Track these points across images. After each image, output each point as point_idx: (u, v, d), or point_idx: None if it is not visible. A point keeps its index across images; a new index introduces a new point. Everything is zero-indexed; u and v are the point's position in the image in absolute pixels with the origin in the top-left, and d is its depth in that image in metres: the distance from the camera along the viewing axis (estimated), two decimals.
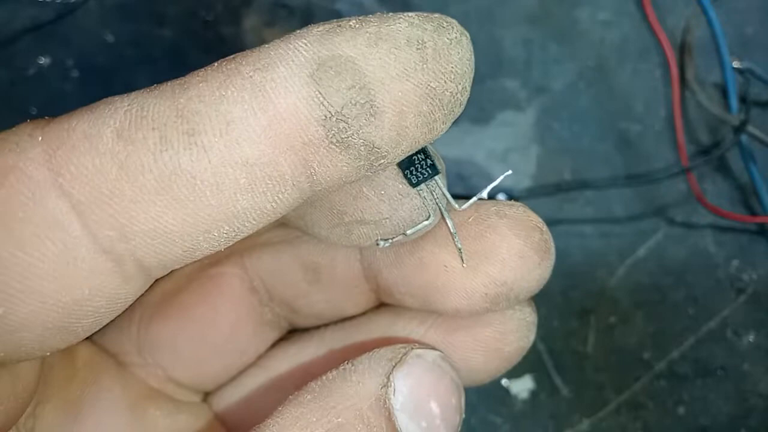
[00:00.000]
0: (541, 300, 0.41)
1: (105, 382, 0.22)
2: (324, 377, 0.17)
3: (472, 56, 0.16)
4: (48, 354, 0.16)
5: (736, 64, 0.42)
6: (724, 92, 0.43)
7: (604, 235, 0.42)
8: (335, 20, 0.15)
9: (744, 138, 0.41)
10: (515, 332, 0.22)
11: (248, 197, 0.15)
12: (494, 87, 0.43)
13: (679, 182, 0.42)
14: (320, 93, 0.15)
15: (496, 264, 0.20)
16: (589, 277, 0.42)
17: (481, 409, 0.40)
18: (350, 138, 0.15)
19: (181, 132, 0.14)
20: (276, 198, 0.15)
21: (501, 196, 0.40)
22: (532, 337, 0.23)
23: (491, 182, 0.20)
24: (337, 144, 0.15)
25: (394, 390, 0.16)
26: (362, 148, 0.15)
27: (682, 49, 0.43)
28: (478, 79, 0.44)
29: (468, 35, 0.16)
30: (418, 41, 0.15)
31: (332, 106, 0.15)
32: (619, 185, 0.42)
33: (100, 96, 0.16)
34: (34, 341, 0.15)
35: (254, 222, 0.16)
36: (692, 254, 0.42)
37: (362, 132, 0.15)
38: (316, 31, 0.15)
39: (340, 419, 0.16)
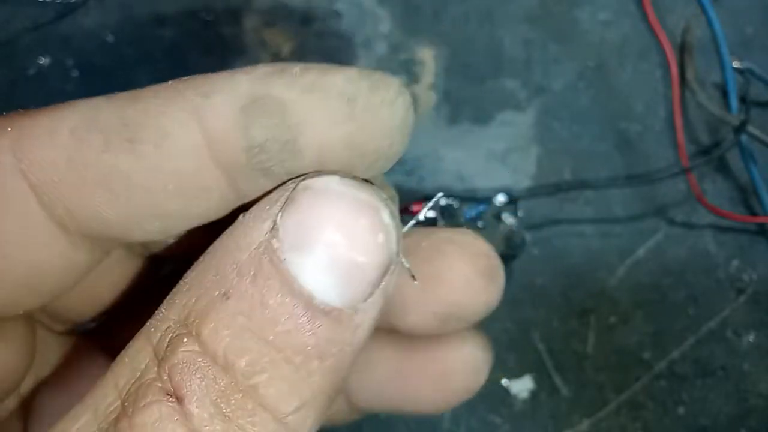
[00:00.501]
0: (541, 300, 0.41)
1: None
2: (211, 246, 0.17)
3: (407, 116, 0.17)
4: (22, 312, 0.19)
5: (736, 64, 0.42)
6: (724, 92, 0.43)
7: (604, 235, 0.42)
8: (284, 63, 0.17)
9: (744, 138, 0.41)
10: (462, 372, 0.23)
11: (176, 201, 0.17)
12: (494, 87, 0.43)
13: (679, 182, 0.42)
14: (247, 125, 0.16)
15: (444, 286, 0.22)
16: (589, 277, 0.42)
17: (481, 409, 0.41)
18: (272, 168, 0.17)
19: (123, 138, 0.16)
20: (202, 205, 0.17)
21: (501, 197, 0.40)
22: (482, 377, 0.24)
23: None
24: (258, 170, 0.17)
25: (279, 231, 0.15)
26: (284, 177, 0.17)
27: (682, 49, 0.43)
28: (478, 79, 0.44)
29: (407, 97, 0.17)
30: (350, 95, 0.16)
31: (255, 139, 0.16)
32: (619, 185, 0.42)
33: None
34: (6, 298, 0.18)
35: (183, 222, 0.18)
36: (692, 254, 0.42)
37: (283, 164, 0.17)
38: (262, 70, 0.16)
39: (219, 277, 0.16)
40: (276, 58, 0.42)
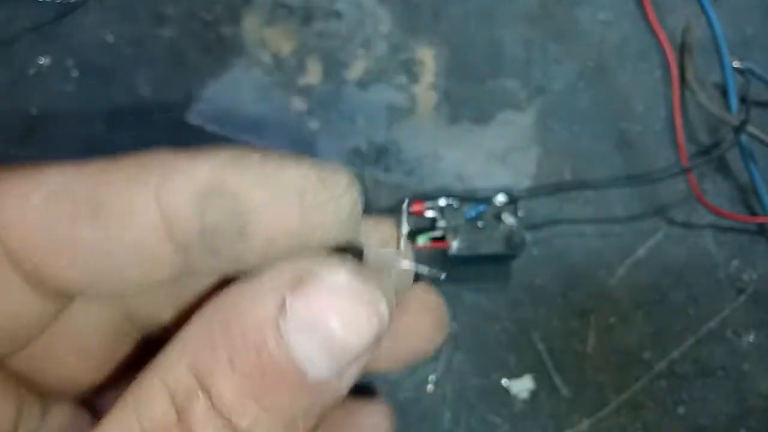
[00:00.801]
0: (541, 300, 0.41)
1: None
2: (221, 300, 0.18)
3: (353, 211, 0.19)
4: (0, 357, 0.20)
5: (736, 64, 0.41)
6: (724, 92, 0.43)
7: (604, 235, 0.42)
8: (246, 151, 0.18)
9: (744, 138, 0.41)
10: None
11: (132, 270, 0.19)
12: (494, 87, 0.43)
13: (679, 182, 0.42)
14: (201, 210, 0.18)
15: (410, 339, 0.26)
16: (589, 277, 0.42)
17: (481, 409, 0.41)
18: (221, 249, 0.18)
19: (90, 210, 0.18)
20: (156, 274, 0.19)
21: (501, 197, 0.40)
22: None
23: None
24: (209, 251, 0.18)
25: (287, 312, 0.17)
26: (231, 258, 0.19)
27: (682, 49, 0.43)
28: (478, 79, 0.44)
29: (354, 192, 0.19)
30: (300, 190, 0.18)
31: (207, 223, 0.18)
32: (619, 185, 0.42)
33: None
34: None
35: (137, 287, 0.20)
36: (692, 254, 0.42)
37: (231, 248, 0.18)
38: (223, 156, 0.18)
39: (227, 341, 0.17)
40: (276, 58, 0.42)
